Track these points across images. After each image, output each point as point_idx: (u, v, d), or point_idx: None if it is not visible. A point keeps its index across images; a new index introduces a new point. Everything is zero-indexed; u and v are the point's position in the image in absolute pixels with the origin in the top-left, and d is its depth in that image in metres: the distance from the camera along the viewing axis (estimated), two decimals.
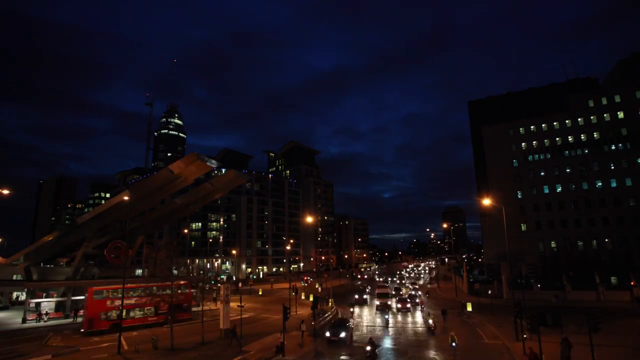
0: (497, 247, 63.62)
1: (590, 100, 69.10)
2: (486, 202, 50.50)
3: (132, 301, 36.34)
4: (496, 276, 61.20)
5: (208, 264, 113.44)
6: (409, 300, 48.23)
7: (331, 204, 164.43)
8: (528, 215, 69.49)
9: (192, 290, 43.47)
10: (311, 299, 39.32)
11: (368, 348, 22.66)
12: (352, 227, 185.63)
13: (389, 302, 48.66)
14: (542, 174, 70.08)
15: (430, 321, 33.44)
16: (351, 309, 43.50)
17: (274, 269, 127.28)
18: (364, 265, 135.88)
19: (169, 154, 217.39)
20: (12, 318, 43.69)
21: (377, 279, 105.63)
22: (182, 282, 40.75)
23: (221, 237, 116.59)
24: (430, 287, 76.02)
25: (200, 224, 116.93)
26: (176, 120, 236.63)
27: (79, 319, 39.80)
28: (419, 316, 42.70)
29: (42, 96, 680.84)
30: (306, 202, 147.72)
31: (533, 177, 70.58)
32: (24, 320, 40.32)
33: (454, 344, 24.17)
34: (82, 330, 34.27)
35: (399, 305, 46.57)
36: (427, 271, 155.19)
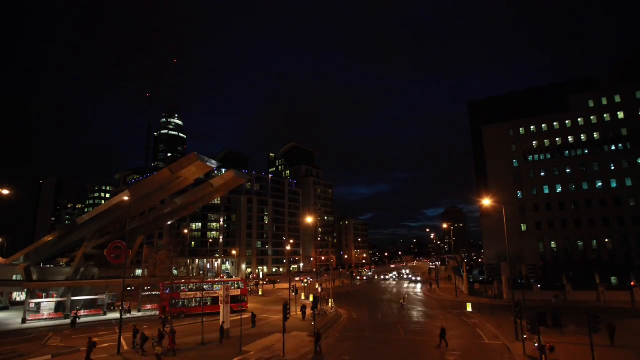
0: (497, 247, 63.57)
1: (590, 100, 69.10)
2: (486, 202, 50.48)
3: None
4: (496, 276, 61.12)
5: (208, 264, 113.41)
6: None
7: (331, 204, 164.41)
8: (528, 215, 69.49)
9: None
10: (311, 299, 39.28)
11: None
12: (352, 227, 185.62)
13: None
14: (542, 174, 70.07)
15: None
16: None
17: (274, 269, 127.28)
18: (362, 269, 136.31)
19: (169, 154, 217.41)
20: (12, 318, 43.69)
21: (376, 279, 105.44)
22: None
23: (221, 237, 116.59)
24: (430, 287, 75.99)
25: (200, 224, 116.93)
26: (176, 121, 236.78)
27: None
28: None
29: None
30: (306, 202, 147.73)
31: (533, 177, 70.57)
32: (24, 321, 40.32)
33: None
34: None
35: None
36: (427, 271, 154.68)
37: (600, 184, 65.44)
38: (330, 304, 47.29)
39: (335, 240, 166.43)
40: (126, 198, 39.90)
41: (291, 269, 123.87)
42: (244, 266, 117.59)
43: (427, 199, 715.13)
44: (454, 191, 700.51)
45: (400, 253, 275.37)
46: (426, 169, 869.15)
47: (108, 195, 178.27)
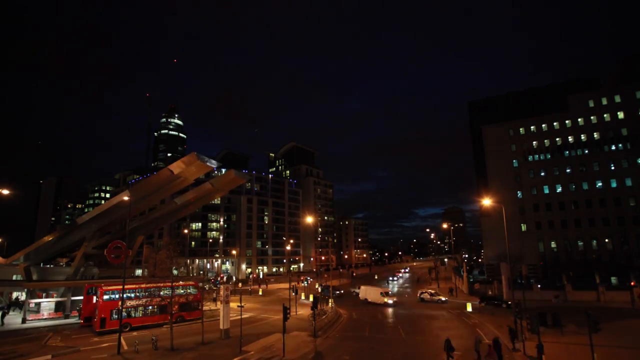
0: (497, 247, 63.62)
1: (590, 100, 69.12)
2: (486, 202, 50.49)
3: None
4: (496, 276, 61.17)
5: (208, 264, 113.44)
6: None
7: (331, 204, 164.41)
8: (528, 215, 69.51)
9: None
10: (311, 299, 39.28)
11: None
12: (352, 227, 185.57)
13: None
14: (542, 174, 70.10)
15: None
16: None
17: (274, 269, 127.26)
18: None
19: (169, 154, 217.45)
20: (12, 318, 43.68)
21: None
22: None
23: (221, 237, 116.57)
24: (430, 287, 76.01)
25: (200, 224, 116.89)
26: (176, 120, 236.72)
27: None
28: None
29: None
30: (306, 202, 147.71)
31: (533, 177, 70.59)
32: (24, 321, 40.33)
33: None
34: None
35: None
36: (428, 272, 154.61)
37: (600, 184, 65.47)
38: (330, 303, 47.28)
39: (335, 240, 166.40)
40: (126, 198, 39.89)
41: (291, 269, 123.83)
42: (244, 266, 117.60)
43: (416, 198, 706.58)
44: (443, 191, 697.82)
45: (400, 253, 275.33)
46: (408, 168, 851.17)
47: (108, 195, 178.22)
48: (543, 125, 72.46)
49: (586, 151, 68.11)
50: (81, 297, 45.70)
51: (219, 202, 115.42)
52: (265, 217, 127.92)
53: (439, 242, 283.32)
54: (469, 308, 43.67)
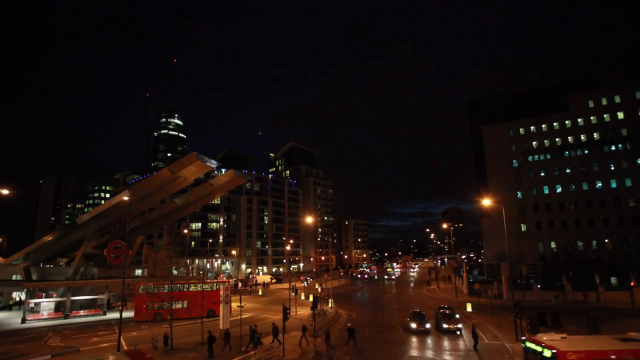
0: (497, 247, 63.64)
1: (590, 101, 69.18)
2: (486, 202, 50.51)
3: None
4: (496, 276, 61.14)
5: (208, 264, 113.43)
6: None
7: (331, 204, 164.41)
8: (528, 215, 69.50)
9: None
10: (311, 299, 39.28)
11: None
12: (352, 227, 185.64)
13: None
14: (542, 174, 70.10)
15: None
16: None
17: (274, 269, 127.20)
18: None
19: (169, 154, 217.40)
20: (11, 318, 43.70)
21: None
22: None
23: (221, 237, 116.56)
24: (430, 287, 76.04)
25: (200, 224, 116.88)
26: (176, 120, 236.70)
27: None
28: None
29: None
30: (306, 202, 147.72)
31: (533, 178, 70.59)
32: (24, 320, 40.33)
33: None
34: None
35: None
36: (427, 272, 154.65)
37: (600, 184, 65.47)
38: (330, 304, 47.28)
39: (335, 240, 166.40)
40: (126, 198, 39.92)
41: (291, 269, 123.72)
42: (243, 266, 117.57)
43: (388, 197, 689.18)
44: (416, 191, 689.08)
45: (400, 253, 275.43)
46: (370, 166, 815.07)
47: (108, 195, 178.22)
48: (543, 126, 72.53)
49: (586, 151, 68.22)
50: (81, 297, 46.14)
51: (218, 202, 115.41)
52: (265, 217, 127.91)
53: (438, 242, 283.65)
54: (469, 308, 43.64)
